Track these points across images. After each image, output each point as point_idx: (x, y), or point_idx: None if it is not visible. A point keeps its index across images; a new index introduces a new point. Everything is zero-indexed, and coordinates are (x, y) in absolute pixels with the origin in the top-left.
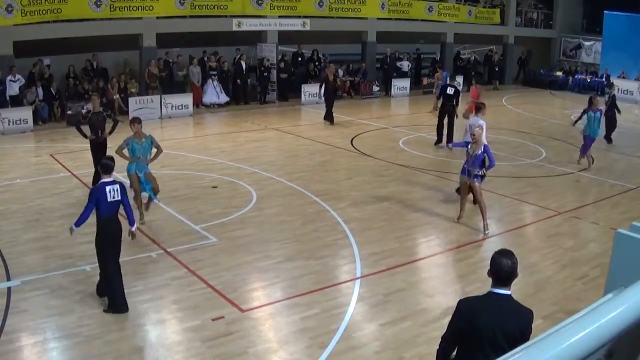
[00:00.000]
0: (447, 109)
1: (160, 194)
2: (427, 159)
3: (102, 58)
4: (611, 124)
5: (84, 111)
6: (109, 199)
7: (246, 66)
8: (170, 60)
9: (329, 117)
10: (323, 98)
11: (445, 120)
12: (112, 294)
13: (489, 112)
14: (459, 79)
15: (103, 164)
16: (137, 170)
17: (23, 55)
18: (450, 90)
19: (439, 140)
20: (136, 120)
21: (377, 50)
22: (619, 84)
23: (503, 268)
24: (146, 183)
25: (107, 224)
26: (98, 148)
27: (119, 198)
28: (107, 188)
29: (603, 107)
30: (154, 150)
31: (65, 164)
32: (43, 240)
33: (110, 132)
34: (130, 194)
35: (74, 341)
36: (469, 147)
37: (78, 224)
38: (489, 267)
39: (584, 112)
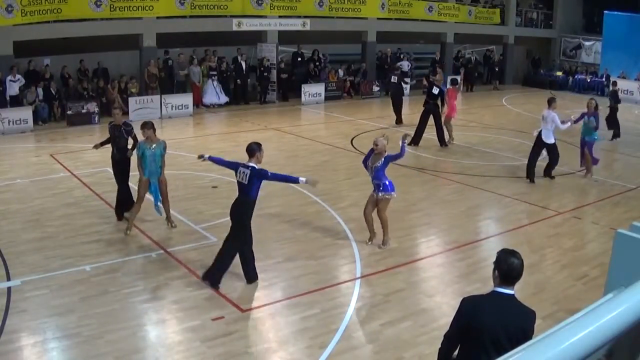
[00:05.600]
0: (430, 108)
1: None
2: (426, 159)
3: (103, 58)
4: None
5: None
6: (237, 178)
7: (246, 66)
8: (171, 59)
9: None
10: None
11: (432, 122)
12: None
13: (490, 112)
14: (459, 79)
15: (247, 147)
16: (149, 176)
17: (23, 55)
18: (435, 90)
19: (415, 142)
20: (146, 125)
21: (377, 50)
22: (618, 83)
23: (516, 267)
24: (157, 193)
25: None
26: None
27: (245, 182)
28: (240, 169)
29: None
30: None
31: (65, 164)
32: (43, 240)
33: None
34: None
35: (74, 341)
36: (369, 159)
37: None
38: (494, 267)
39: (582, 115)
